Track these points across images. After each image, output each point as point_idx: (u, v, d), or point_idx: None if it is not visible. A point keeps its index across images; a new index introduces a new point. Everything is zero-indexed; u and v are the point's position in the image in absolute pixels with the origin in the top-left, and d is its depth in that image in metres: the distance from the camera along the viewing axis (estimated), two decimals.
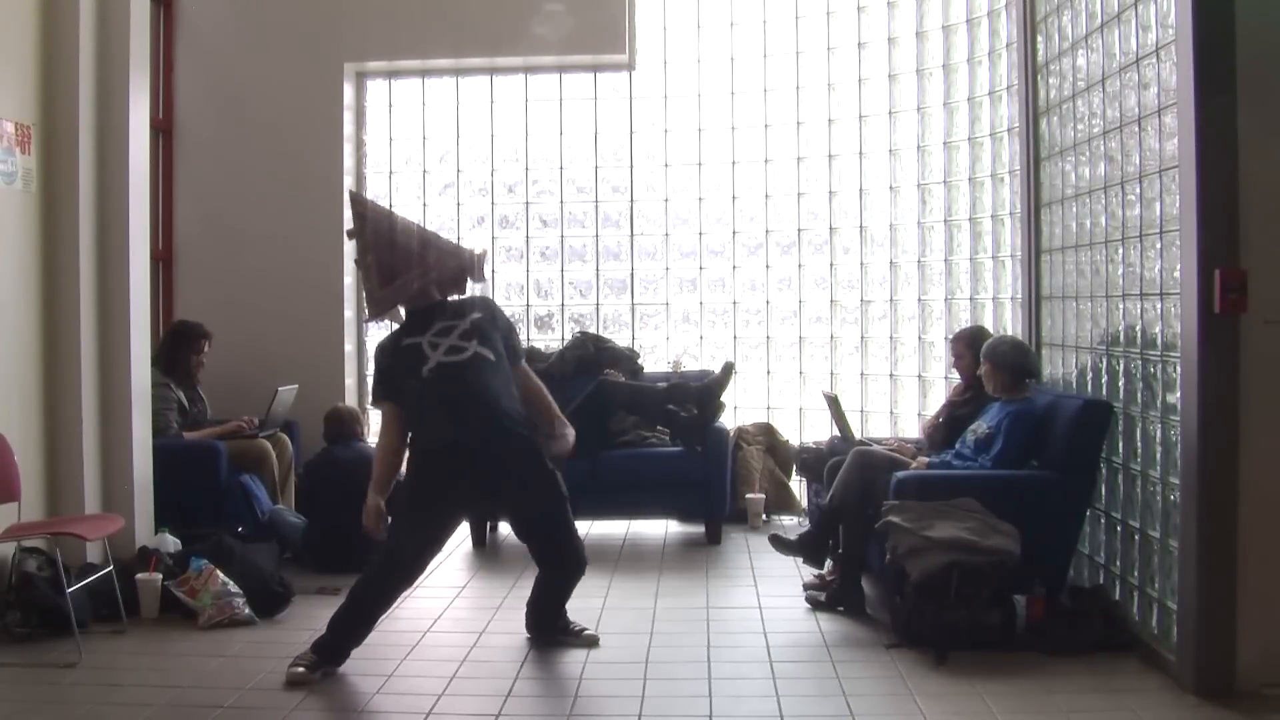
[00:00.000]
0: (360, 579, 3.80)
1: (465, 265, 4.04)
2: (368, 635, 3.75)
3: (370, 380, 4.08)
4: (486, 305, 4.04)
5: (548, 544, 3.97)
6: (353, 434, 5.43)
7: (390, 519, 3.83)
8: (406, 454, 3.85)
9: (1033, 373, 4.46)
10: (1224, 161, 3.31)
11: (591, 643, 3.96)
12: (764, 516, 6.03)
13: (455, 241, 4.20)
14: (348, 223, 6.35)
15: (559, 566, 3.99)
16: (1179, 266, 3.49)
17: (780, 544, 4.57)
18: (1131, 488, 3.90)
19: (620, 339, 6.43)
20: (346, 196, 4.15)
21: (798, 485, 6.12)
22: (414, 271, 3.90)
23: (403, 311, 3.97)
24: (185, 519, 4.85)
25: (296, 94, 6.31)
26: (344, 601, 3.77)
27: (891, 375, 6.13)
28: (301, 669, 3.59)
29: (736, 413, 6.34)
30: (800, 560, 4.63)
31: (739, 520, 5.97)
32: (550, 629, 4.03)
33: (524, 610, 4.11)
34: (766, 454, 6.19)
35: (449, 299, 3.97)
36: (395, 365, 3.84)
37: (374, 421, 6.27)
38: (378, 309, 3.98)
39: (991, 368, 4.36)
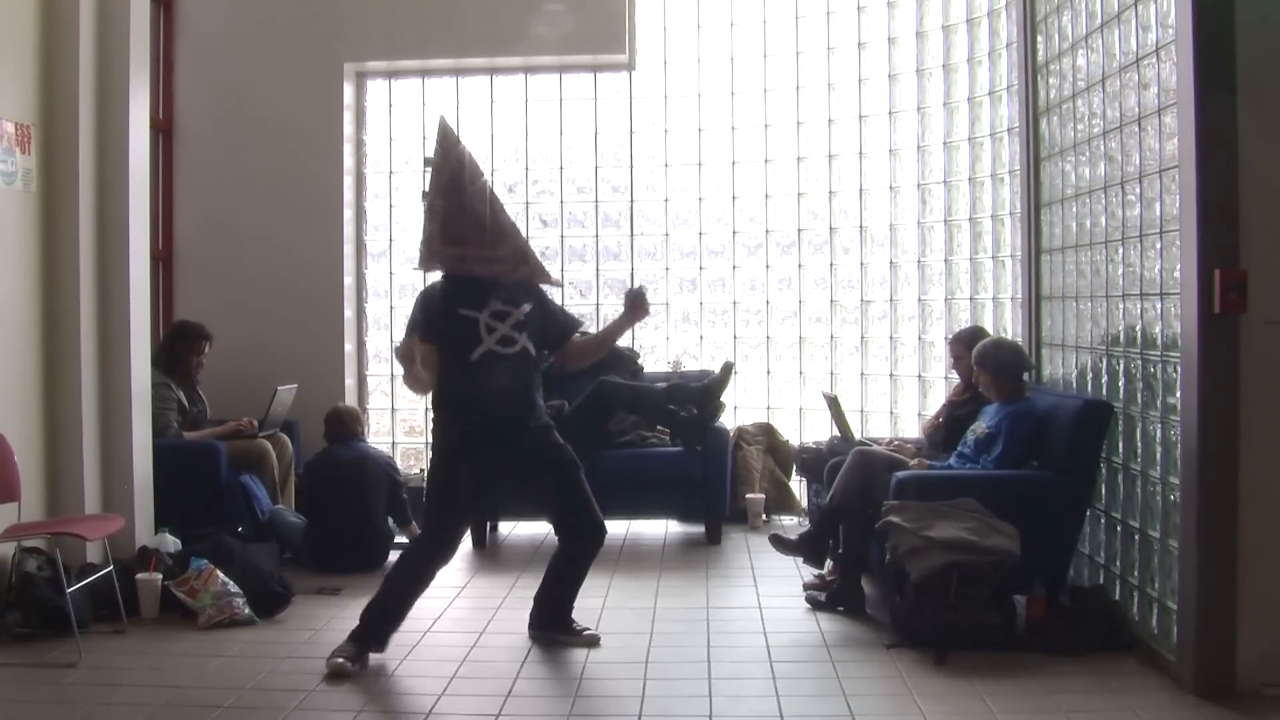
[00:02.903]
0: (397, 564, 3.93)
1: (535, 271, 4.02)
2: (406, 617, 3.85)
3: (406, 324, 3.97)
4: (539, 295, 4.01)
5: (567, 512, 4.00)
6: (353, 434, 5.43)
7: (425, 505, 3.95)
8: (434, 426, 3.97)
9: (1029, 368, 4.47)
10: (1224, 161, 3.32)
11: (592, 643, 3.96)
12: (764, 516, 6.03)
13: (525, 237, 4.09)
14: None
15: (580, 534, 4.01)
16: (1179, 266, 3.49)
17: (780, 544, 4.57)
18: (1131, 488, 3.90)
19: (620, 339, 6.40)
20: (438, 123, 4.00)
21: (798, 485, 6.12)
22: (482, 252, 3.83)
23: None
24: (185, 519, 4.85)
25: (296, 94, 6.31)
26: (380, 588, 3.87)
27: (891, 375, 6.13)
28: (341, 660, 3.65)
29: (736, 413, 6.34)
30: (800, 560, 4.64)
31: (739, 520, 5.97)
32: (558, 624, 4.03)
33: (527, 609, 4.12)
34: (766, 454, 6.19)
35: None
36: (442, 324, 3.80)
37: (374, 421, 6.30)
38: (428, 264, 3.90)
39: (992, 377, 4.35)
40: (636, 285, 4.12)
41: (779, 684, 3.55)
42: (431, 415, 4.05)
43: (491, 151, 6.59)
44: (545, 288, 4.08)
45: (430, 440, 4.01)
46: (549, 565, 4.11)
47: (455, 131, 3.99)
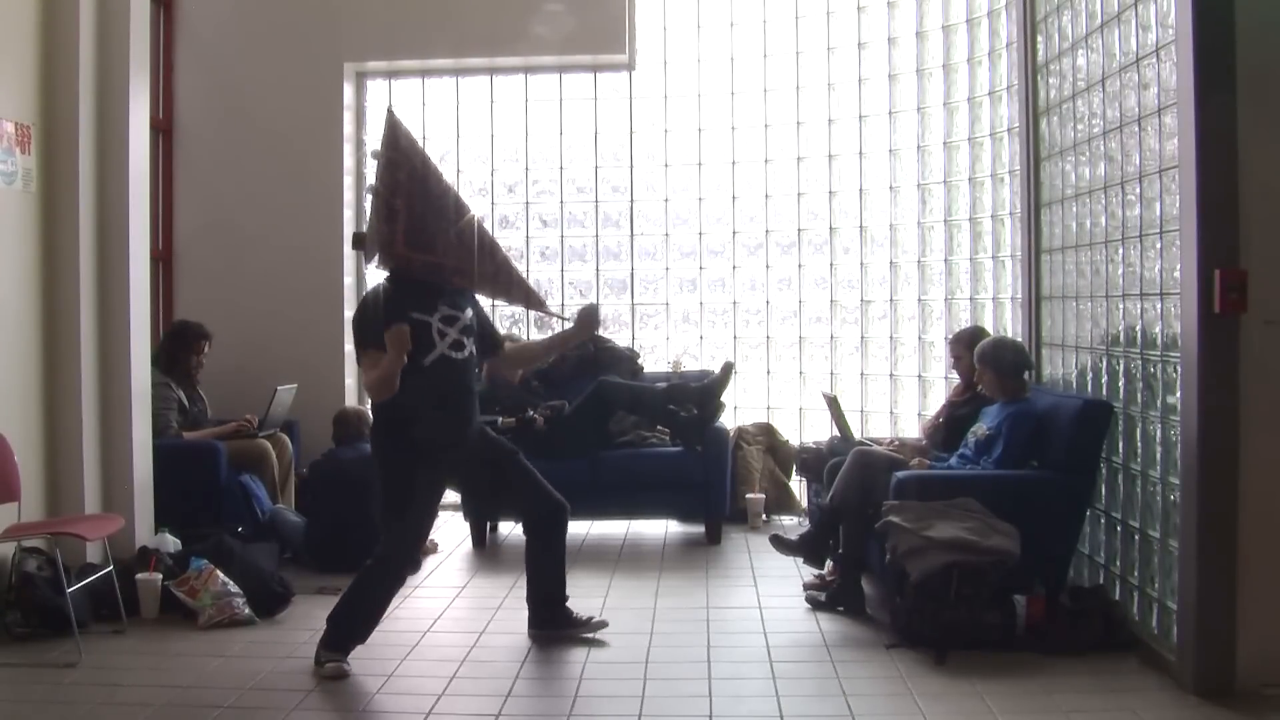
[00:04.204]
0: (364, 572, 3.81)
1: (531, 299, 4.05)
2: (377, 624, 3.79)
3: (353, 330, 3.89)
4: (476, 301, 4.00)
5: (522, 498, 4.02)
6: (359, 435, 5.42)
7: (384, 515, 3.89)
8: (380, 432, 3.85)
9: (1030, 366, 4.48)
10: (1224, 161, 3.31)
11: (600, 626, 4.01)
12: (764, 516, 6.03)
13: (507, 257, 4.04)
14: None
15: (544, 516, 4.00)
16: (1179, 266, 3.49)
17: (780, 544, 4.57)
18: (1131, 488, 3.90)
19: (620, 339, 6.43)
20: (386, 117, 3.80)
21: (798, 485, 6.12)
22: (460, 265, 3.78)
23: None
24: (185, 519, 4.85)
25: (296, 94, 6.31)
26: (344, 595, 3.79)
27: (891, 375, 6.13)
28: (333, 663, 3.65)
29: (736, 413, 6.34)
30: (800, 560, 4.64)
31: (739, 520, 5.96)
32: (558, 620, 4.03)
33: (524, 611, 4.10)
34: (766, 454, 6.19)
35: None
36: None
37: None
38: (385, 263, 3.74)
39: (995, 375, 4.34)
40: (592, 302, 4.09)
41: (779, 684, 3.55)
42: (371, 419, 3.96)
43: (491, 151, 6.60)
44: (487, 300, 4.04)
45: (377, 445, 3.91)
46: (527, 562, 4.08)
47: (406, 128, 3.87)
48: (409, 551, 3.88)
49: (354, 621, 3.74)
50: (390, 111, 3.87)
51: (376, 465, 3.87)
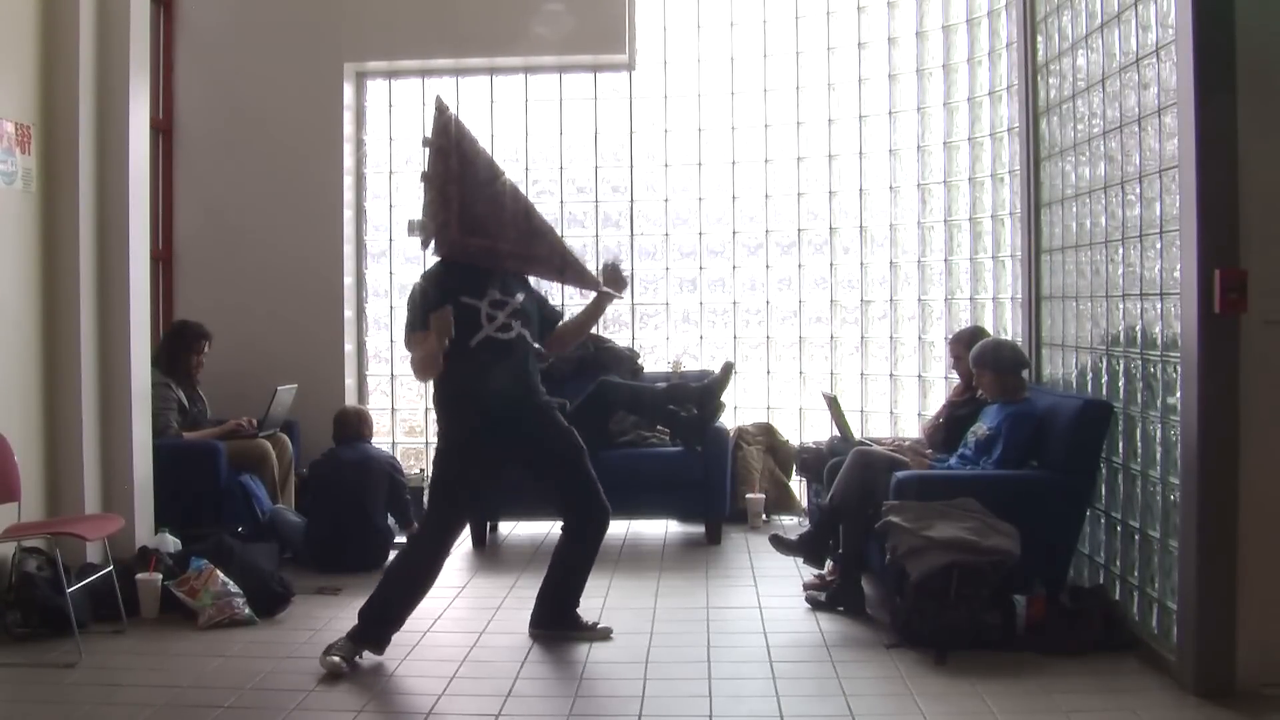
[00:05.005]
0: (398, 562, 3.95)
1: (583, 277, 4.12)
2: (407, 615, 3.85)
3: (405, 314, 3.96)
4: (528, 285, 4.07)
5: (572, 494, 4.03)
6: (359, 435, 5.43)
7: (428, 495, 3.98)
8: (438, 421, 3.97)
9: (1027, 365, 4.49)
10: (1224, 161, 3.32)
11: (605, 635, 4.01)
12: (764, 516, 6.03)
13: (570, 246, 4.14)
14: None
15: (587, 518, 4.03)
16: (1179, 266, 3.49)
17: (780, 544, 4.57)
18: (1131, 488, 3.90)
19: (620, 339, 6.43)
20: (435, 102, 3.93)
21: (798, 485, 6.12)
22: (514, 249, 3.87)
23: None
24: (185, 519, 4.85)
25: (296, 94, 6.31)
26: (378, 588, 3.85)
27: (891, 375, 6.13)
28: (338, 659, 3.66)
29: (736, 413, 6.34)
30: (800, 560, 4.64)
31: (739, 520, 5.97)
32: (565, 621, 4.03)
33: (527, 609, 4.12)
34: (766, 454, 6.19)
35: None
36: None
37: (374, 421, 6.29)
38: (442, 249, 3.84)
39: (994, 374, 4.34)
40: (611, 260, 4.16)
41: (779, 684, 3.55)
42: (432, 412, 4.07)
43: (492, 152, 6.57)
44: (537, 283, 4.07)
45: (431, 439, 4.01)
46: (555, 558, 4.11)
47: (454, 112, 3.94)
48: (446, 538, 3.91)
49: (383, 610, 3.79)
50: (439, 100, 3.97)
51: (438, 441, 3.98)
